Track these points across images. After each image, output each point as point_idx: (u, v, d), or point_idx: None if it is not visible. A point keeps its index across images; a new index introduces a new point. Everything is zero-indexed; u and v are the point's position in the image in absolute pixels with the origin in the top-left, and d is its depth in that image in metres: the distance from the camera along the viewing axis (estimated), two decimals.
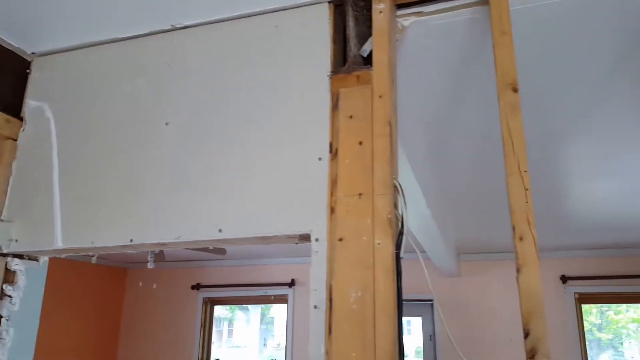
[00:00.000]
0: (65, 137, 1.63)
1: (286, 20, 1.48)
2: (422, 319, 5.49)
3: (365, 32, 1.51)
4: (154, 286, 6.44)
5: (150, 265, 3.91)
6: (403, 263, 1.19)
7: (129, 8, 1.54)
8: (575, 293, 5.12)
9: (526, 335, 1.05)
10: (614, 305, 9.86)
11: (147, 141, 1.52)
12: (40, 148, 1.64)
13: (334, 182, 1.27)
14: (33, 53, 1.78)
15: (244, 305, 11.02)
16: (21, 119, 1.72)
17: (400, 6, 1.48)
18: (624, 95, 1.93)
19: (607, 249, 5.06)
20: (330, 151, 1.32)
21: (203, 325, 6.51)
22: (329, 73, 1.39)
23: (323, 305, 1.17)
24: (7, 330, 1.55)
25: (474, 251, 5.27)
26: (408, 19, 1.50)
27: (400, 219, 1.23)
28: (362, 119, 1.31)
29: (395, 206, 1.24)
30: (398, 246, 1.20)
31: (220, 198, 1.38)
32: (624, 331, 11.07)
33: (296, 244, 1.33)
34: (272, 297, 6.43)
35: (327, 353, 1.12)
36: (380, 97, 1.31)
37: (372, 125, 1.29)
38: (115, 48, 1.68)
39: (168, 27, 1.60)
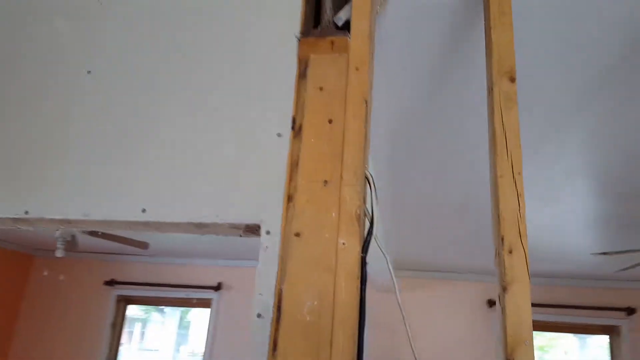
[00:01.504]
0: None
1: None
2: None
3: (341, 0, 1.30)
4: (61, 277, 5.87)
5: (59, 254, 3.46)
6: None
7: None
8: None
9: None
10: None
11: (62, 92, 1.21)
12: None
13: (294, 165, 1.04)
14: None
15: (161, 307, 10.43)
16: None
17: None
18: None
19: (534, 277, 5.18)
20: (293, 127, 1.08)
21: (114, 325, 6.04)
22: (299, 35, 1.16)
23: (269, 314, 0.93)
24: None
25: (413, 268, 5.21)
26: None
27: (369, 217, 1.02)
28: (334, 92, 1.09)
29: (365, 201, 1.03)
30: (365, 249, 0.99)
31: (147, 171, 1.10)
32: None
33: (240, 236, 1.08)
34: (195, 301, 6.08)
35: None
36: (357, 69, 1.10)
37: (345, 101, 1.08)
38: None
39: None
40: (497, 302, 0.95)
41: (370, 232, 1.01)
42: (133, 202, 1.07)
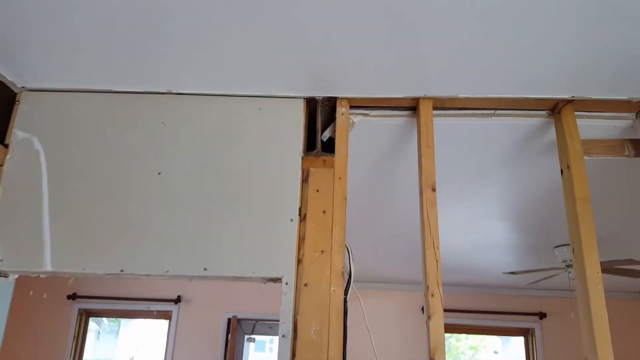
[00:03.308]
0: (55, 171, 1.82)
1: (269, 105, 1.88)
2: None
3: (325, 122, 1.96)
4: (31, 293, 6.09)
5: None
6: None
7: (128, 68, 1.79)
8: None
9: None
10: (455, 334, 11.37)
11: (140, 185, 1.79)
12: (28, 176, 1.81)
13: (302, 240, 1.69)
14: (23, 87, 1.93)
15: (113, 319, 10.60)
16: (6, 146, 1.87)
17: (353, 107, 1.95)
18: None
19: (460, 286, 6.04)
20: (300, 215, 1.73)
21: (76, 338, 6.29)
22: (302, 154, 1.81)
23: (289, 335, 1.56)
24: None
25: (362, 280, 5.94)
26: (357, 117, 1.98)
27: (348, 272, 1.68)
28: (326, 193, 1.75)
29: (345, 262, 1.69)
30: (346, 292, 1.65)
31: (207, 242, 1.71)
32: (462, 356, 12.81)
33: (264, 283, 1.70)
34: (155, 313, 6.43)
35: None
36: (339, 178, 1.77)
37: (333, 199, 1.73)
38: (108, 98, 1.92)
39: (164, 90, 1.90)
40: (425, 323, 1.62)
41: (349, 282, 1.67)
42: (198, 264, 1.67)
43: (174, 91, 1.90)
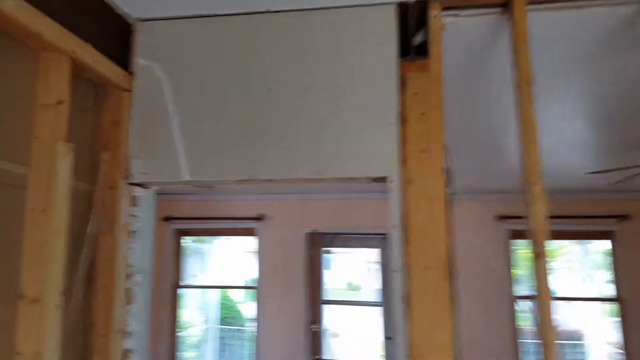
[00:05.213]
0: (179, 92, 2.05)
1: (362, 14, 1.98)
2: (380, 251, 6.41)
3: (416, 26, 2.03)
4: None
5: None
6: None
7: None
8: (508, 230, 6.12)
9: None
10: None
11: (254, 100, 1.99)
12: (156, 99, 2.06)
13: (404, 141, 1.84)
14: (137, 18, 2.13)
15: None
16: (131, 74, 2.10)
17: (444, 8, 2.00)
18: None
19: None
20: (401, 118, 1.87)
21: (175, 254, 7.01)
22: (398, 60, 1.91)
23: (399, 225, 1.76)
24: (135, 241, 2.03)
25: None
26: (448, 19, 2.03)
27: (447, 167, 1.83)
28: (423, 95, 1.86)
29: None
30: (446, 186, 1.81)
31: (318, 148, 1.90)
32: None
33: (370, 183, 1.89)
34: (243, 230, 6.96)
35: (405, 258, 1.73)
36: (435, 80, 1.87)
37: (430, 100, 1.85)
38: (215, 21, 2.08)
39: (263, 9, 2.03)
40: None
41: (448, 176, 1.82)
42: (312, 167, 1.88)
43: (273, 9, 2.02)
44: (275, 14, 2.04)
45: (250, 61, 2.03)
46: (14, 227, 1.54)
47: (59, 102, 1.64)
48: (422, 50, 1.95)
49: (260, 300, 6.53)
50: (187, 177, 1.96)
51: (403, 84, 1.90)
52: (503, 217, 6.11)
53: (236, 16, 2.07)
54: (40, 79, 1.62)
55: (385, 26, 1.96)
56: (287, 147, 1.92)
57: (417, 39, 2.00)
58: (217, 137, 1.98)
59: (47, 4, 1.57)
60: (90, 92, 2.00)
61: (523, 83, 1.81)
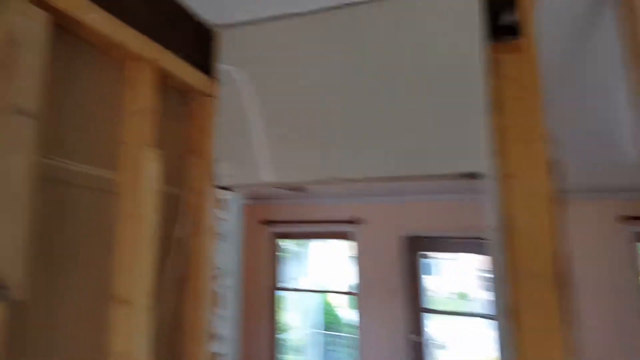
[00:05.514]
0: (260, 95, 2.05)
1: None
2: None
3: (503, 5, 1.83)
4: None
5: None
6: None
7: None
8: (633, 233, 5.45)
9: None
10: None
11: (333, 97, 1.92)
12: (240, 103, 2.07)
13: (499, 130, 1.66)
14: (216, 24, 2.17)
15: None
16: (214, 79, 2.14)
17: None
18: None
19: None
20: (495, 105, 1.69)
21: (272, 256, 7.21)
22: (486, 42, 1.74)
23: (498, 233, 1.58)
24: (223, 244, 2.06)
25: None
26: None
27: (553, 160, 1.62)
28: (518, 79, 1.67)
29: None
30: (553, 181, 1.59)
31: (400, 144, 1.79)
32: None
33: (456, 179, 1.73)
34: (338, 233, 6.97)
35: (507, 266, 1.56)
36: (531, 61, 1.66)
37: (525, 84, 1.65)
38: (290, 21, 2.06)
39: (335, 4, 1.97)
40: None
41: (556, 169, 1.60)
42: (393, 165, 1.77)
43: (346, 2, 1.95)
44: (359, 5, 1.96)
45: (334, 58, 1.97)
46: (107, 230, 1.61)
47: (145, 109, 1.69)
48: (513, 30, 1.76)
49: (360, 306, 6.46)
50: (267, 179, 1.94)
51: (494, 68, 1.72)
52: (628, 218, 5.47)
53: (310, 14, 2.02)
54: (125, 87, 1.69)
55: (469, 7, 1.79)
56: (368, 146, 1.83)
57: (506, 18, 1.81)
58: (299, 139, 1.95)
59: (129, 14, 1.63)
60: (176, 99, 2.06)
61: (634, 57, 1.55)
